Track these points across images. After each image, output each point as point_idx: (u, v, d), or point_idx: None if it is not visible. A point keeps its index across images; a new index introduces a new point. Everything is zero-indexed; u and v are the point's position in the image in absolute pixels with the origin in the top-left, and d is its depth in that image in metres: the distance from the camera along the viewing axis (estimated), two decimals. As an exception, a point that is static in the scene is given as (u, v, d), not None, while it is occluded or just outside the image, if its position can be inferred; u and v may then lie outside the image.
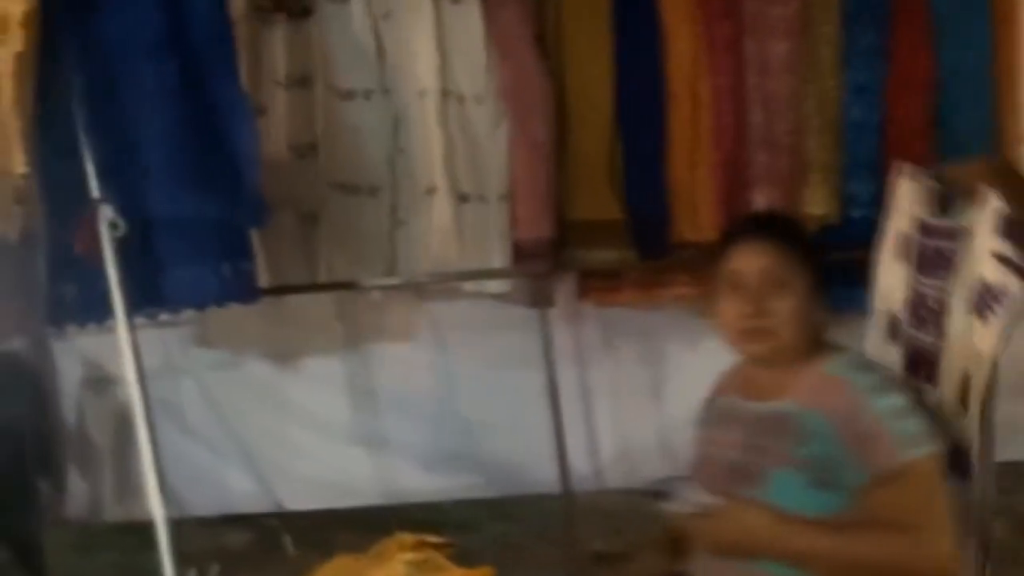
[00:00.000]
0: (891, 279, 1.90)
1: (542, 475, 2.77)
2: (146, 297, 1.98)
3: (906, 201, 1.88)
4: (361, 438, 2.94)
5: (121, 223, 1.88)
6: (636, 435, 2.81)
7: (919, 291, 1.80)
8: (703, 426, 1.69)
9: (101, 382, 3.07)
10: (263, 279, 2.58)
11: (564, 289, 2.75)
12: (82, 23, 1.84)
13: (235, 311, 2.69)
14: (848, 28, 2.55)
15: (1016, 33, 2.50)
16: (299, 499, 3.04)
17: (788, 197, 2.58)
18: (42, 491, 2.83)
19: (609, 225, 2.62)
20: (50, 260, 1.98)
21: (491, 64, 2.58)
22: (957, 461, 1.66)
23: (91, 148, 1.87)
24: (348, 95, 2.61)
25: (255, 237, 2.48)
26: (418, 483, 2.92)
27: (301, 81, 2.61)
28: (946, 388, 1.70)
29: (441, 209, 2.60)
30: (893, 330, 1.88)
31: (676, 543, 1.63)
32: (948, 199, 1.79)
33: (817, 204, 2.61)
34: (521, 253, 2.62)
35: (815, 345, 1.56)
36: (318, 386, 2.94)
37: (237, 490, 3.05)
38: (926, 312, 1.77)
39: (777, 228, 1.61)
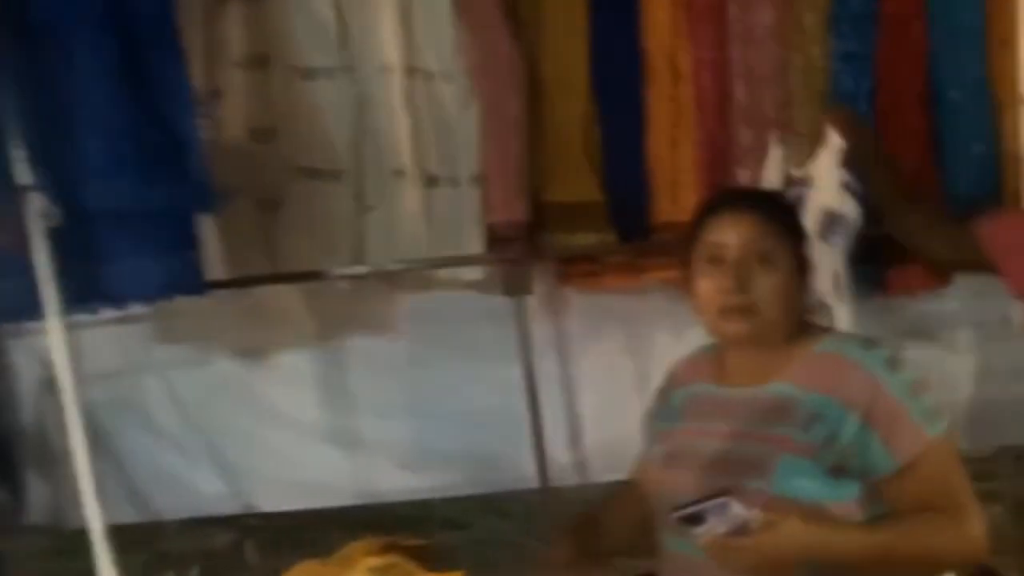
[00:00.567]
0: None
1: (525, 470, 2.65)
2: (86, 292, 1.84)
3: (774, 162, 2.13)
4: (335, 435, 2.82)
5: (54, 212, 1.75)
6: (621, 426, 2.67)
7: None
8: (665, 420, 1.54)
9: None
10: (223, 271, 2.47)
11: (544, 275, 2.62)
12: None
13: (200, 305, 2.57)
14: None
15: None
16: (272, 500, 2.92)
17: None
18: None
19: (588, 207, 2.49)
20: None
21: (459, 39, 2.44)
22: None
23: (20, 132, 1.73)
24: (309, 74, 2.47)
25: (212, 226, 2.38)
26: (395, 481, 2.81)
27: (259, 61, 2.48)
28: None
29: (409, 193, 2.47)
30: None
31: (586, 536, 1.52)
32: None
33: (807, 180, 2.48)
34: (495, 238, 2.49)
35: (798, 326, 1.44)
36: (288, 382, 2.82)
37: (207, 492, 2.93)
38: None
39: (760, 199, 1.49)
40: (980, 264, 1.79)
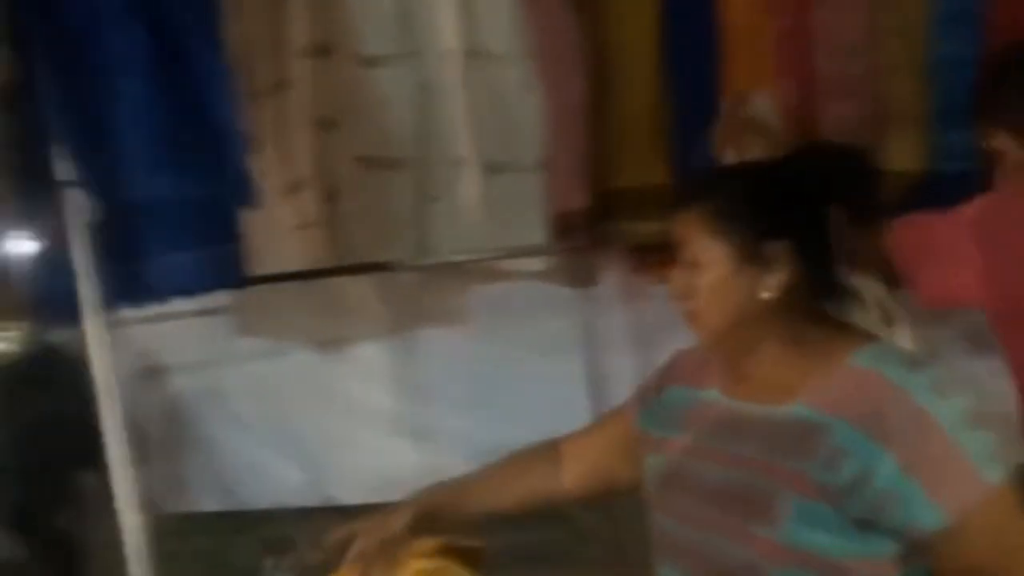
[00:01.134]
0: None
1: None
2: (127, 287, 1.86)
3: None
4: (408, 428, 2.79)
5: (94, 208, 1.76)
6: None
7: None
8: (660, 422, 1.33)
9: (151, 372, 3.04)
10: (292, 262, 2.46)
11: (614, 265, 2.50)
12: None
13: (279, 297, 2.59)
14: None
15: None
16: (350, 492, 2.91)
17: (866, 152, 2.24)
18: (88, 485, 2.81)
19: (657, 192, 2.34)
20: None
21: (521, 20, 2.34)
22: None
23: (60, 127, 1.75)
24: (371, 62, 2.43)
25: (275, 219, 2.37)
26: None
27: (322, 50, 2.45)
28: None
29: (471, 181, 2.39)
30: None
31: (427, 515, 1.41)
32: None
33: (902, 159, 2.23)
34: (560, 227, 2.38)
35: (819, 328, 1.21)
36: (363, 374, 2.82)
37: (289, 483, 2.96)
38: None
39: (709, 184, 1.26)
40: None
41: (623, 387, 2.54)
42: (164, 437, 3.01)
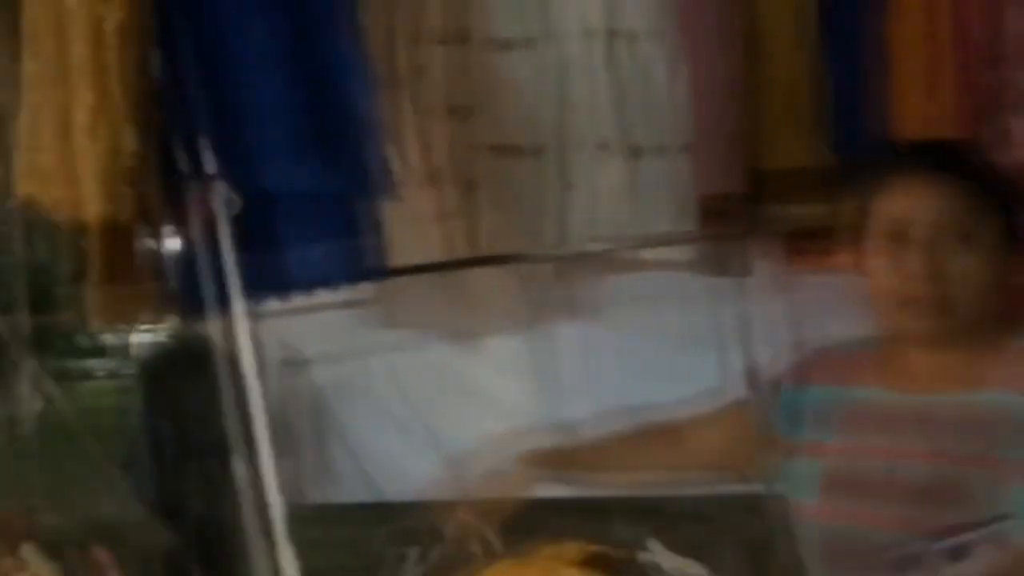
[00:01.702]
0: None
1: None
2: (269, 279, 1.85)
3: None
4: (545, 422, 2.71)
5: (237, 200, 1.76)
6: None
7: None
8: (794, 425, 1.25)
9: (297, 363, 3.08)
10: (429, 254, 2.42)
11: (766, 252, 2.34)
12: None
13: (418, 289, 2.56)
14: None
15: None
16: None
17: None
18: (237, 475, 2.86)
19: (815, 173, 2.17)
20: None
21: (665, -7, 2.22)
22: None
23: (201, 121, 1.75)
24: (507, 45, 2.36)
25: (410, 210, 2.33)
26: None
27: (459, 36, 2.40)
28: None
29: (613, 167, 2.29)
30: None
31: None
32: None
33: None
34: (708, 213, 2.24)
35: (1001, 315, 1.11)
36: (499, 367, 2.77)
37: (427, 475, 2.93)
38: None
39: (955, 159, 1.16)
40: None
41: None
42: (306, 428, 3.05)
